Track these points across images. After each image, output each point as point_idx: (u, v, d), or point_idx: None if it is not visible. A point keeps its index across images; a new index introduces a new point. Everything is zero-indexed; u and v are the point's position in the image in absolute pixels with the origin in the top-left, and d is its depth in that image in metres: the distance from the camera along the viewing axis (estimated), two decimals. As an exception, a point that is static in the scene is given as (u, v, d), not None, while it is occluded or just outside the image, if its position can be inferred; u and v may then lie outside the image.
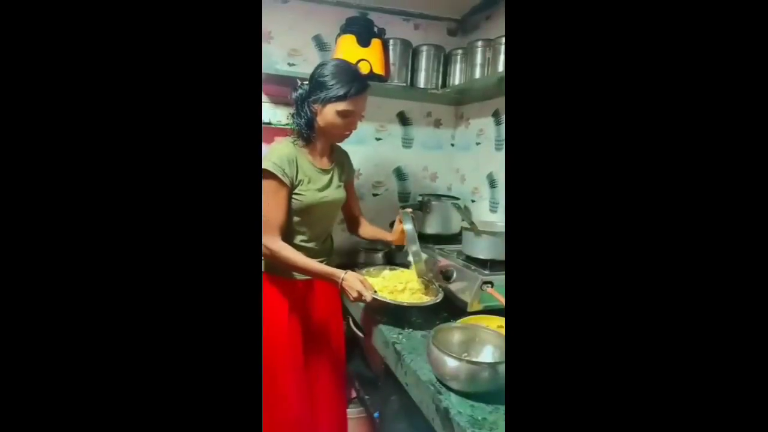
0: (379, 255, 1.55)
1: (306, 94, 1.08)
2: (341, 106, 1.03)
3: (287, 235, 1.10)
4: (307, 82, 1.10)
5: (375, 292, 1.01)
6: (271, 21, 1.58)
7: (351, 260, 1.55)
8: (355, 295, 0.99)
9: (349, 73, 1.05)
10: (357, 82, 1.03)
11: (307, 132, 1.09)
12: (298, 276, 1.13)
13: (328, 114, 1.05)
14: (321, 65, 1.07)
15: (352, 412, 1.47)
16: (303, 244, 1.13)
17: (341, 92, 1.02)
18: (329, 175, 1.16)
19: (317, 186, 1.12)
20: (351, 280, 1.00)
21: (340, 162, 1.23)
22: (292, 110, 1.13)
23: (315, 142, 1.12)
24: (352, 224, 1.34)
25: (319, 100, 1.04)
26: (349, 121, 1.06)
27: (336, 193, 1.17)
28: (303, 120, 1.08)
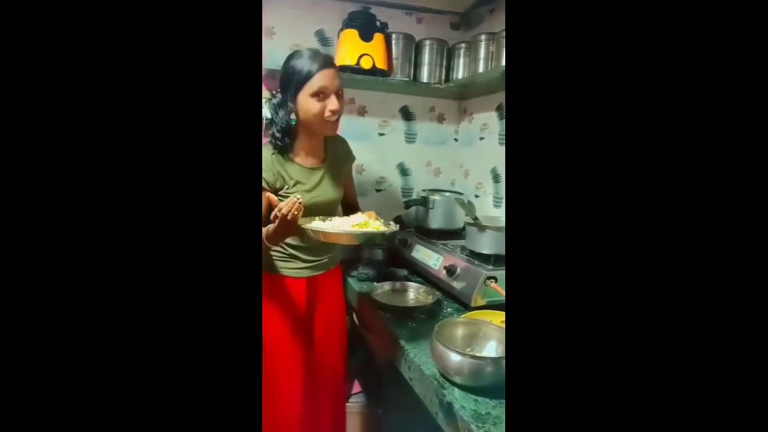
0: (379, 251, 1.55)
1: (280, 99, 1.04)
2: (312, 86, 0.98)
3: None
4: (279, 90, 1.06)
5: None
6: (273, 17, 1.57)
7: (353, 256, 1.55)
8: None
9: (309, 54, 1.01)
10: (319, 58, 1.00)
11: (283, 141, 1.05)
12: (304, 274, 1.12)
13: (304, 103, 1.00)
14: (285, 60, 1.04)
15: (356, 407, 1.48)
16: (301, 244, 1.11)
17: (306, 70, 0.98)
18: (320, 173, 1.11)
19: (306, 187, 1.07)
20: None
21: (335, 155, 1.17)
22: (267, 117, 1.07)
23: (298, 144, 1.08)
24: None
25: (291, 91, 1.01)
26: (326, 102, 1.00)
27: (330, 192, 1.12)
28: (279, 127, 1.04)
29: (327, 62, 1.01)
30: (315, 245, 1.12)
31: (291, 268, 1.12)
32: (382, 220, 1.05)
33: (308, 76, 0.98)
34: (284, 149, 1.06)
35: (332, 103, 1.01)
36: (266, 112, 1.10)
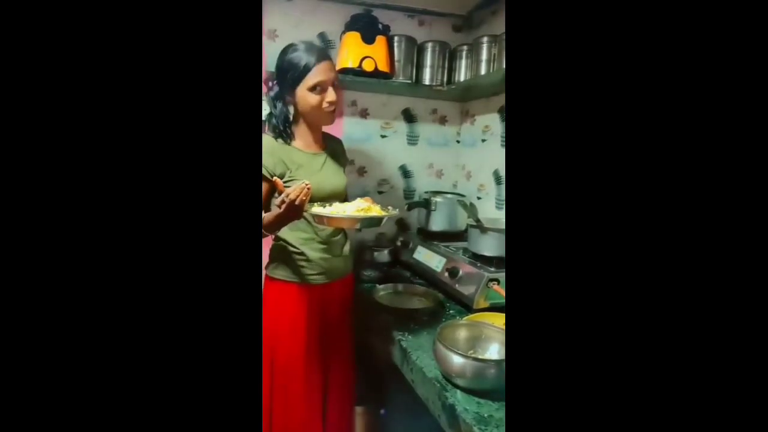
0: (385, 252, 1.55)
1: (277, 92, 1.08)
2: (310, 80, 1.02)
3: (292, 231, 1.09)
4: (275, 83, 1.08)
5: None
6: (276, 19, 1.58)
7: (358, 257, 1.55)
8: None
9: (305, 47, 1.04)
10: (315, 51, 1.03)
11: (283, 129, 1.08)
12: (315, 281, 1.12)
13: (302, 96, 1.04)
14: (280, 54, 1.07)
15: (359, 410, 1.48)
16: (310, 241, 1.10)
17: (303, 64, 1.01)
18: (323, 159, 1.13)
19: (310, 170, 1.09)
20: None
21: (333, 149, 1.20)
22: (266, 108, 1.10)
23: (298, 132, 1.11)
24: None
25: (289, 84, 1.04)
26: (324, 95, 1.04)
27: (334, 178, 1.14)
28: (279, 117, 1.08)
29: (323, 55, 1.04)
30: (321, 245, 1.11)
31: (304, 274, 1.11)
32: (379, 205, 1.05)
33: (306, 71, 1.01)
34: (285, 136, 1.09)
35: (330, 95, 1.04)
36: (264, 107, 1.12)
